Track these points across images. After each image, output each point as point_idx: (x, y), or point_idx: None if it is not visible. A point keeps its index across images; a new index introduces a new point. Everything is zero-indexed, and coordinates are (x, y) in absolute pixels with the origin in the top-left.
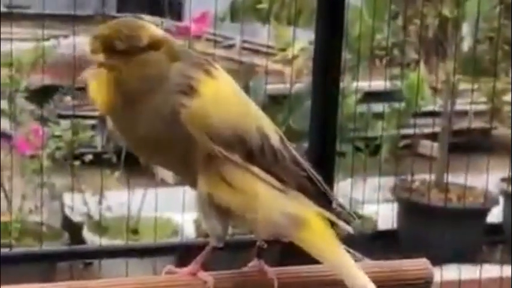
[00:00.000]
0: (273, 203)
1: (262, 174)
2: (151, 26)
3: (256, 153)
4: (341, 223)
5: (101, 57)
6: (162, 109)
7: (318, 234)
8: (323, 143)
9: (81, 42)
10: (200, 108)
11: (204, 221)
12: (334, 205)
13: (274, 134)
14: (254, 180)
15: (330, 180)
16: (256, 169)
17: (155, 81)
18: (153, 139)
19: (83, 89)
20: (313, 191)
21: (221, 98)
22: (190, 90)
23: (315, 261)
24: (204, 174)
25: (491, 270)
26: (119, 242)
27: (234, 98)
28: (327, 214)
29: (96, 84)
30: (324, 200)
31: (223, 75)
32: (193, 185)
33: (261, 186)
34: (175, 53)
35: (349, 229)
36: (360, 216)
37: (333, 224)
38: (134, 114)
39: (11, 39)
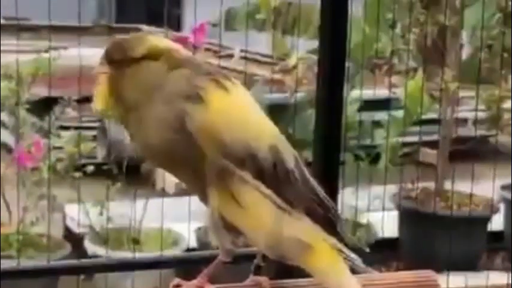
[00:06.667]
0: (278, 226)
1: (272, 194)
2: (155, 38)
3: (267, 173)
4: (346, 250)
5: (105, 68)
6: (165, 117)
7: (324, 260)
8: (327, 153)
9: (82, 53)
10: (209, 119)
11: (213, 234)
12: (338, 229)
13: (288, 155)
14: (262, 200)
15: (334, 190)
16: (265, 189)
17: (151, 90)
18: (160, 148)
19: (83, 101)
20: (321, 216)
21: (232, 111)
22: (195, 98)
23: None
24: (213, 189)
25: (492, 278)
26: (120, 252)
27: (247, 113)
28: (334, 241)
29: (99, 93)
30: (332, 225)
31: (238, 89)
32: (202, 196)
33: (268, 207)
34: (178, 62)
35: (354, 257)
36: (361, 225)
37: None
38: (138, 123)
39: (18, 51)
